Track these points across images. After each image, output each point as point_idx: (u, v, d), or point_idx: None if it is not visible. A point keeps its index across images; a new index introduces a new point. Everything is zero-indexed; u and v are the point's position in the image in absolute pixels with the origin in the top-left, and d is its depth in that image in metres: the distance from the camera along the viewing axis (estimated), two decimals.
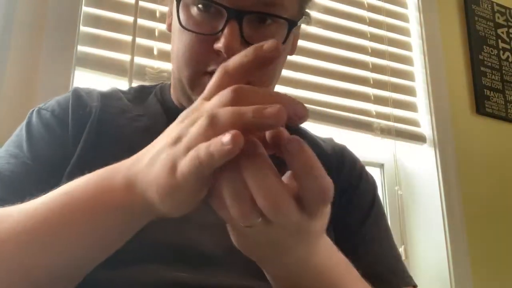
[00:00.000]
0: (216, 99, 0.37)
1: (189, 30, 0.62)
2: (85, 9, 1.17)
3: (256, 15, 0.61)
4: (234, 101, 0.36)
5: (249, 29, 0.60)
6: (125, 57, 1.18)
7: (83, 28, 1.16)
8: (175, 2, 0.64)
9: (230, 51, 0.58)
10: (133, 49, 1.18)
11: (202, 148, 0.34)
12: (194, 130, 0.36)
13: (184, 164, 0.36)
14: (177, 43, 0.65)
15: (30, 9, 1.11)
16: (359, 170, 0.77)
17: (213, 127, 0.35)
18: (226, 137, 0.33)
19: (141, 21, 1.22)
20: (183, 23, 0.63)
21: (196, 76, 0.63)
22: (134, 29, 1.20)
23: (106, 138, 0.64)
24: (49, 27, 1.11)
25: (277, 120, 0.34)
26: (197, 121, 0.36)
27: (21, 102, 1.03)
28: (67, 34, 1.12)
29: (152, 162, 0.39)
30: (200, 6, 0.62)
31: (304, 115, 0.36)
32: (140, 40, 1.20)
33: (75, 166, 0.61)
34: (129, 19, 1.21)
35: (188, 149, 0.36)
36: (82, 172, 0.46)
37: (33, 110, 0.68)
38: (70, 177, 0.47)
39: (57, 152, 0.62)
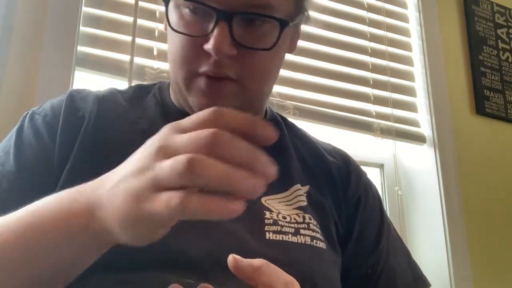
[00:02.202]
0: (194, 139, 0.36)
1: (179, 32, 0.62)
2: (85, 9, 1.17)
3: (245, 15, 0.60)
4: (211, 147, 0.35)
5: (240, 30, 0.60)
6: (125, 57, 1.18)
7: (83, 28, 1.16)
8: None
9: (219, 52, 0.58)
10: (133, 49, 1.18)
11: (194, 200, 0.34)
12: (167, 170, 0.35)
13: (158, 205, 0.35)
14: (171, 45, 0.65)
15: (30, 9, 1.11)
16: (365, 179, 0.77)
17: (192, 175, 0.34)
18: (232, 205, 0.35)
19: (141, 21, 1.21)
20: (173, 24, 0.63)
21: (190, 77, 0.63)
22: (134, 29, 1.20)
23: (105, 145, 0.63)
24: (49, 27, 1.11)
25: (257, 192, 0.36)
26: (172, 160, 0.35)
27: (21, 102, 1.03)
28: (67, 34, 1.12)
29: (114, 191, 0.39)
30: (190, 7, 0.61)
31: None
32: (140, 40, 1.20)
33: (69, 175, 0.59)
34: (129, 19, 1.21)
35: (156, 186, 0.36)
36: (76, 182, 0.46)
37: (26, 114, 0.67)
38: (64, 188, 0.46)
39: (42, 162, 0.61)
